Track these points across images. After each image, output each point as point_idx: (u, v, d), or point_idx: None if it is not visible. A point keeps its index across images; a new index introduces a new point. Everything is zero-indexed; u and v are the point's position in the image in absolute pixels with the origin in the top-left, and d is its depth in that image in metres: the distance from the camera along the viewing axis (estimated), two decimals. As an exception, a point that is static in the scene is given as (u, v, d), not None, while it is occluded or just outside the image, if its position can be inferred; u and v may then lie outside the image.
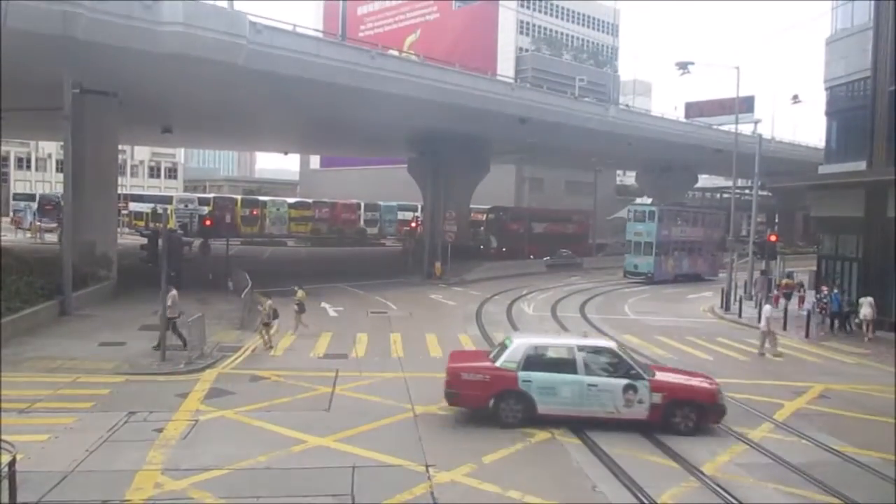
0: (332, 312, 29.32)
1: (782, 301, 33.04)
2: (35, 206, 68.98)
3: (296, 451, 12.31)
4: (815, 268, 34.06)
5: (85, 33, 23.97)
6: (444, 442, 13.12)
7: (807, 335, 26.17)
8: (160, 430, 13.10)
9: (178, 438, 12.76)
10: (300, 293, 23.78)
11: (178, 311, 19.92)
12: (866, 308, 25.70)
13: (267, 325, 21.11)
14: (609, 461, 12.09)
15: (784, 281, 36.17)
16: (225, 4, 28.36)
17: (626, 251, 48.86)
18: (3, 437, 9.79)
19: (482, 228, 63.84)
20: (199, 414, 14.29)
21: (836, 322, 27.16)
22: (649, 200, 52.43)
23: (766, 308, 23.22)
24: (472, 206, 60.06)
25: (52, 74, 24.93)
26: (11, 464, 8.92)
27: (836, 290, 27.67)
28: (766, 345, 22.87)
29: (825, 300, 27.47)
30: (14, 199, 78.53)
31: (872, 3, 27.72)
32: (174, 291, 19.83)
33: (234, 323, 24.30)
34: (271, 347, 20.88)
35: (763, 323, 22.70)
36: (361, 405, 15.36)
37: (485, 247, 59.18)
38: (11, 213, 74.04)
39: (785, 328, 27.67)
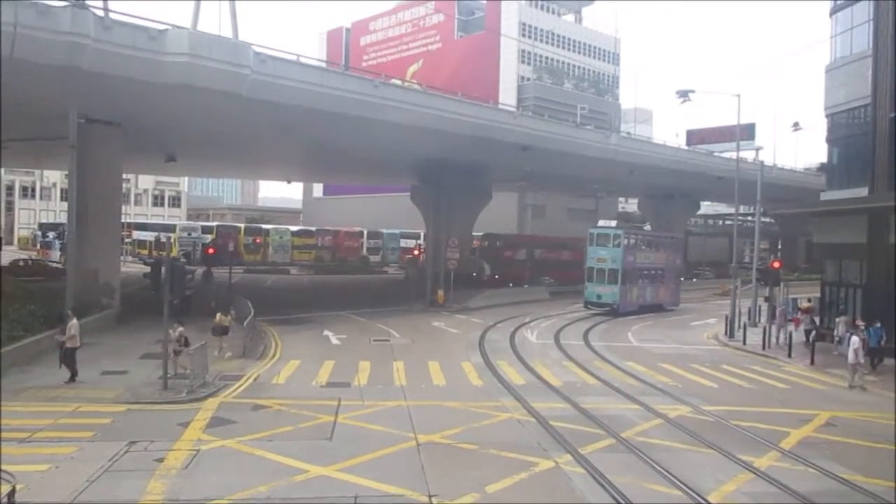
0: (334, 340, 29.25)
1: (802, 325, 32.77)
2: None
3: (298, 481, 12.21)
4: (818, 294, 33.89)
5: (90, 64, 24.25)
6: (448, 471, 13.01)
7: (811, 362, 25.98)
8: (161, 460, 13.01)
9: (179, 468, 12.66)
10: (180, 329, 20.74)
11: (78, 341, 19.38)
12: (842, 327, 27.03)
13: (177, 353, 20.05)
14: (614, 490, 11.94)
15: (805, 305, 35.79)
16: (229, 35, 28.72)
17: (587, 279, 43.32)
18: (4, 466, 9.73)
19: (476, 255, 62.57)
20: (201, 443, 14.21)
21: (876, 359, 24.70)
22: (613, 223, 46.75)
23: (854, 339, 22.36)
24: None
25: (58, 105, 25.18)
26: (11, 494, 8.87)
27: (877, 324, 24.81)
28: (856, 378, 22.24)
29: (863, 335, 24.04)
30: (40, 228, 77.10)
31: (871, 31, 27.97)
32: (74, 320, 19.64)
33: (236, 351, 24.24)
34: (185, 369, 19.68)
35: (851, 355, 22.11)
36: (364, 434, 15.26)
37: (478, 274, 57.29)
38: (38, 245, 72.78)
39: (790, 355, 27.53)
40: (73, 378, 19.04)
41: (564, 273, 58.12)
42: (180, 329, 20.31)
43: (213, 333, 23.60)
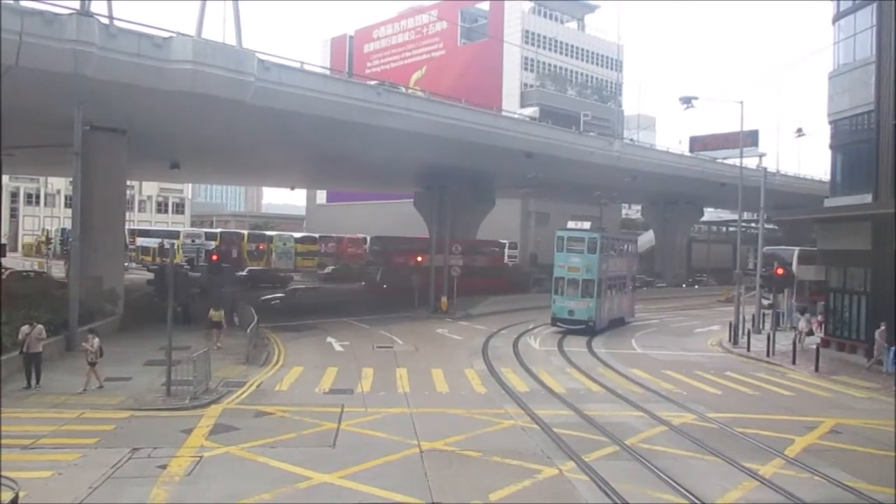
0: (337, 347, 29.23)
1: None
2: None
3: (301, 488, 12.18)
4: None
5: (96, 71, 24.39)
6: (451, 478, 12.97)
7: (816, 369, 25.88)
8: (164, 467, 12.99)
9: (182, 475, 12.65)
10: (95, 340, 19.68)
11: (40, 346, 19.23)
12: (802, 323, 31.16)
13: (93, 365, 19.22)
14: (618, 498, 11.90)
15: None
16: (234, 42, 28.83)
17: (555, 291, 36.58)
18: (6, 473, 9.74)
19: (365, 261, 54.45)
20: (204, 450, 14.19)
21: None
22: (587, 224, 38.32)
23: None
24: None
25: (63, 112, 25.27)
26: (14, 501, 8.87)
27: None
28: None
29: None
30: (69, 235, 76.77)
31: (874, 37, 27.94)
32: (40, 326, 19.60)
33: (239, 358, 24.25)
34: (101, 386, 19.28)
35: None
36: (367, 441, 15.23)
37: (367, 282, 49.79)
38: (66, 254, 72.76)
39: (794, 362, 27.44)
40: (28, 385, 18.92)
41: (479, 281, 51.15)
42: (96, 340, 19.70)
43: (205, 327, 27.29)
